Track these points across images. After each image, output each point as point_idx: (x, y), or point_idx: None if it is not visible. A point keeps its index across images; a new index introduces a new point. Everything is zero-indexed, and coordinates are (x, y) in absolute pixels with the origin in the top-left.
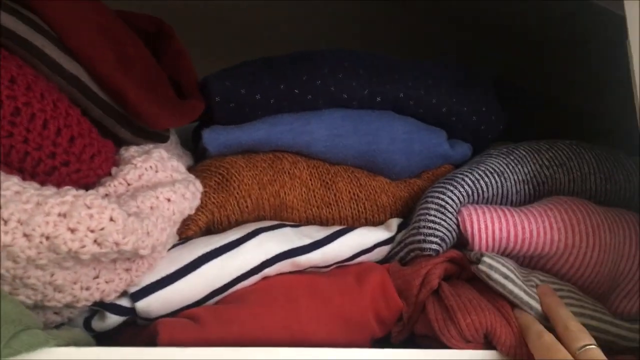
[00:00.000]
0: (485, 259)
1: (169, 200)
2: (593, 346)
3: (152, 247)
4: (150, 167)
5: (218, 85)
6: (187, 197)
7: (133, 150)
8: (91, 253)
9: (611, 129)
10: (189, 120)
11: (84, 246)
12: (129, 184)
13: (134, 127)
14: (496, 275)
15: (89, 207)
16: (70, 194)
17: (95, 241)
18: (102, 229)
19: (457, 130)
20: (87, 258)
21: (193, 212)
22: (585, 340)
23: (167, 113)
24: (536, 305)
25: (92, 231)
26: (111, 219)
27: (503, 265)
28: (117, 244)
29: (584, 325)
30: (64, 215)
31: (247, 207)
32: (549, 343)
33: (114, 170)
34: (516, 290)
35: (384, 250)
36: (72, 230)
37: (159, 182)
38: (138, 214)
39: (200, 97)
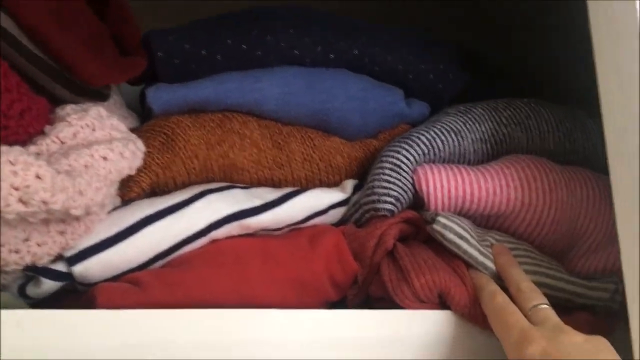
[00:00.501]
0: (440, 218)
1: (105, 158)
2: (545, 305)
3: (86, 207)
4: (87, 124)
5: (160, 40)
6: (126, 156)
7: (69, 108)
8: (16, 212)
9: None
10: (129, 76)
11: (8, 205)
12: (62, 142)
13: (71, 84)
14: (451, 235)
15: (12, 164)
16: None
17: (20, 199)
18: (28, 186)
19: (415, 89)
20: (12, 218)
21: (133, 172)
22: (536, 299)
23: (106, 69)
24: (491, 265)
25: (16, 189)
26: (37, 176)
27: (458, 225)
28: (45, 202)
29: (540, 283)
30: None
31: (194, 168)
32: (501, 304)
33: (47, 128)
34: (471, 250)
35: (338, 213)
36: None
37: (95, 141)
38: (70, 172)
39: (143, 54)
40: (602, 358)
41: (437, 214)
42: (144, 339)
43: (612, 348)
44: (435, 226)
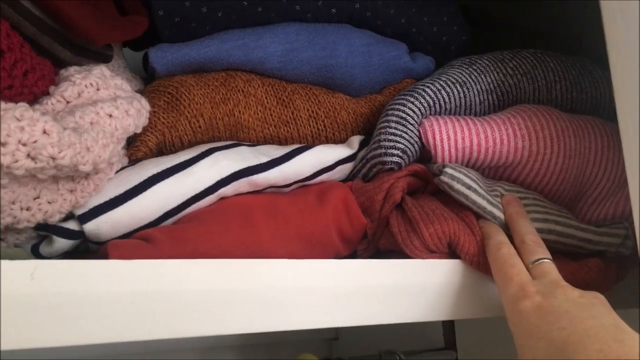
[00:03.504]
0: (447, 169)
1: (110, 115)
2: (547, 260)
3: (94, 164)
4: (91, 84)
5: None
6: (131, 114)
7: (73, 69)
8: (25, 168)
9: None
10: (131, 35)
11: (16, 160)
12: (67, 102)
13: (72, 45)
14: (458, 186)
15: (19, 120)
16: None
17: (28, 155)
18: (35, 142)
19: (419, 43)
20: (21, 174)
21: (139, 130)
22: (539, 254)
23: (106, 27)
24: (499, 214)
25: (24, 144)
26: (44, 132)
27: (466, 175)
28: (53, 158)
29: (550, 230)
30: None
31: (199, 127)
32: (504, 255)
33: (51, 89)
34: (479, 200)
35: (346, 169)
36: (3, 144)
37: (100, 99)
38: (76, 129)
39: (143, 13)
40: (596, 312)
41: (444, 165)
42: (155, 288)
43: (607, 303)
44: (443, 177)
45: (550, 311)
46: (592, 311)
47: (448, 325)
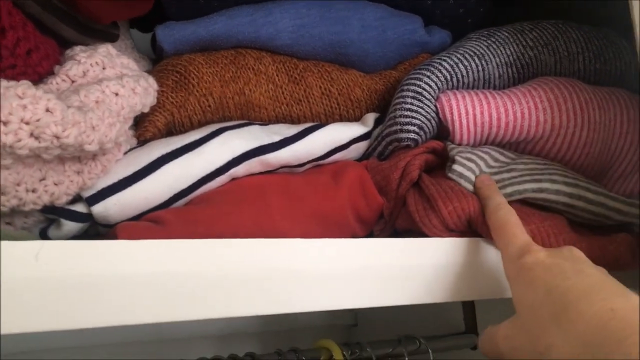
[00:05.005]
0: (456, 167)
1: (116, 94)
2: None
3: (100, 143)
4: (96, 63)
5: None
6: (137, 92)
7: (78, 48)
8: (29, 148)
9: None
10: (137, 12)
11: (19, 140)
12: (72, 81)
13: (78, 24)
14: (466, 184)
15: (21, 97)
16: (0, 85)
17: (31, 134)
18: (38, 120)
19: (435, 16)
20: (25, 154)
21: (146, 109)
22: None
23: (111, 5)
24: None
25: (26, 123)
26: (47, 110)
27: (473, 172)
28: (57, 137)
29: (580, 197)
30: None
31: (209, 106)
32: (507, 214)
33: (56, 68)
34: None
35: (361, 147)
36: (5, 123)
37: (105, 78)
38: (81, 108)
39: None
40: (601, 271)
41: (454, 160)
42: (165, 269)
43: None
44: (451, 175)
45: (555, 264)
46: (597, 269)
47: (469, 309)
